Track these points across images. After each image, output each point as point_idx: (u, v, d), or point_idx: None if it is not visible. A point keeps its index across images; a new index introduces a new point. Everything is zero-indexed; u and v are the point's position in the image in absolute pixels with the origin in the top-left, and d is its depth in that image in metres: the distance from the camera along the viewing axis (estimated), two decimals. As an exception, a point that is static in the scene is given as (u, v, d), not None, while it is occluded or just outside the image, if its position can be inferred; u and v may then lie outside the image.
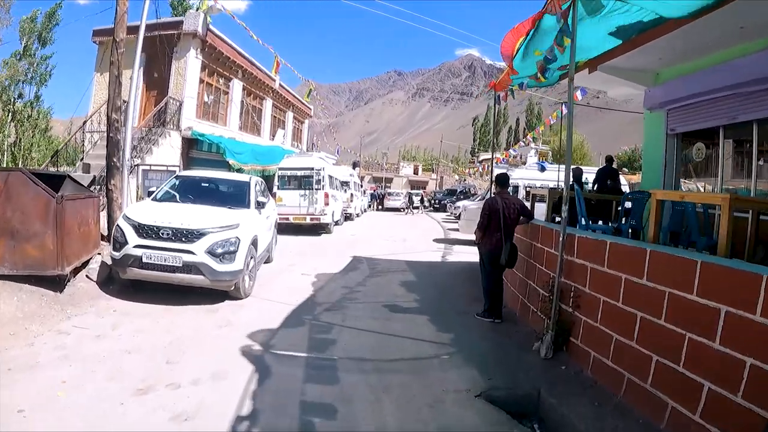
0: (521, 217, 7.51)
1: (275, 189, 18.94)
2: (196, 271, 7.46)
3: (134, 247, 7.49)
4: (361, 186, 41.35)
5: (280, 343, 6.14)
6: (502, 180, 7.76)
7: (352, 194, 27.51)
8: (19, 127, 26.58)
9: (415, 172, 68.70)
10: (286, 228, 19.01)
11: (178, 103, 17.18)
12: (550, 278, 6.41)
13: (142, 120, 17.52)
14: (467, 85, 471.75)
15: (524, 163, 66.59)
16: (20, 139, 26.62)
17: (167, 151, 16.02)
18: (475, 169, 53.39)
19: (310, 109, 34.45)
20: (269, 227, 11.00)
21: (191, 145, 17.72)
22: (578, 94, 17.94)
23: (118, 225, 7.99)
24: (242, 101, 22.53)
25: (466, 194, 42.51)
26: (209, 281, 7.53)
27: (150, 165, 14.01)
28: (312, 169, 18.82)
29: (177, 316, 7.07)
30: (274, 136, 26.31)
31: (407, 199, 42.67)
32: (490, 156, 70.11)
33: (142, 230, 7.60)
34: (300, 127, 34.10)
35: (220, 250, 7.54)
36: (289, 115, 30.33)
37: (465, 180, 62.14)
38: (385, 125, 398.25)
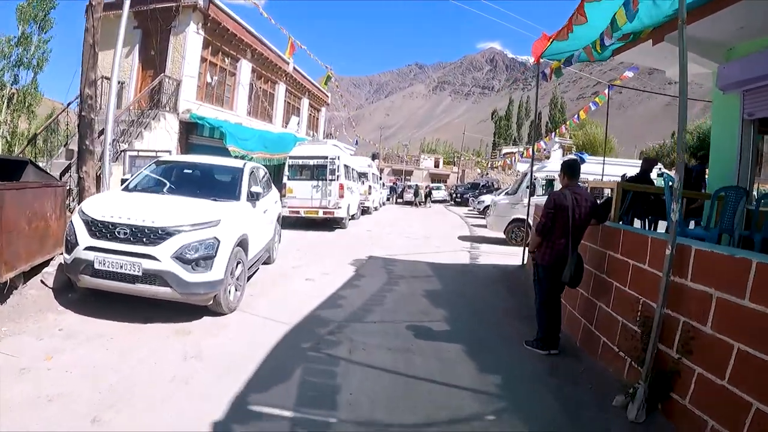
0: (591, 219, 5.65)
1: (285, 179, 17.30)
2: (162, 282, 5.79)
3: (85, 249, 5.85)
4: (380, 178, 39.66)
5: (260, 392, 4.39)
6: (572, 168, 5.82)
7: (370, 186, 25.78)
8: (14, 113, 25.28)
9: (436, 165, 66.71)
10: (296, 222, 17.51)
11: (175, 83, 15.51)
12: (639, 306, 4.61)
13: (138, 102, 15.95)
14: (488, 79, 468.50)
15: (548, 158, 64.74)
16: (16, 126, 25.34)
17: (162, 136, 14.37)
18: (502, 162, 51.23)
19: (327, 96, 32.63)
20: (269, 222, 9.30)
21: (191, 129, 16.06)
22: (628, 73, 16.09)
23: (71, 221, 6.32)
24: (251, 84, 20.82)
25: (489, 188, 40.94)
26: (179, 295, 5.86)
27: (138, 151, 12.33)
28: (326, 157, 17.11)
29: (136, 340, 5.40)
30: (287, 124, 24.57)
31: (413, 192, 40.75)
32: (512, 150, 68.46)
33: (95, 228, 5.94)
34: (316, 115, 32.35)
35: (192, 255, 5.85)
36: (305, 102, 28.55)
37: (487, 174, 60.19)
38: (405, 119, 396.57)
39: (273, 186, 10.62)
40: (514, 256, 12.89)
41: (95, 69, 9.42)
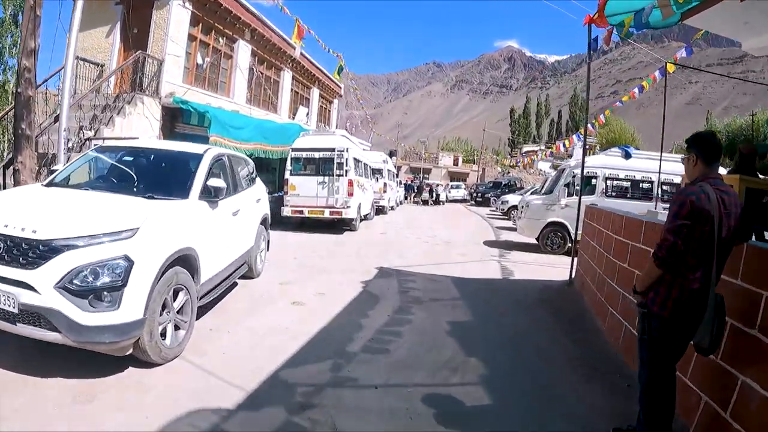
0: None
1: (287, 174, 15.16)
2: (46, 323, 3.72)
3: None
4: (397, 176, 37.44)
5: None
6: (712, 147, 3.30)
7: (385, 184, 23.57)
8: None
9: (455, 163, 64.28)
10: (301, 224, 15.41)
11: (157, 63, 13.42)
12: None
13: (119, 85, 13.92)
14: (506, 78, 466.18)
15: (570, 156, 62.21)
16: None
17: (139, 123, 12.30)
18: (527, 159, 48.79)
19: (340, 87, 30.40)
20: (245, 227, 7.21)
21: (176, 116, 13.99)
22: (681, 52, 13.84)
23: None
24: (251, 69, 18.64)
25: (512, 188, 38.63)
26: (71, 341, 3.77)
27: (104, 139, 10.25)
28: (333, 150, 14.95)
29: (19, 405, 3.39)
30: (294, 115, 22.42)
31: (428, 191, 38.73)
32: (533, 148, 65.94)
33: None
34: (328, 107, 30.08)
35: (86, 284, 3.78)
36: (315, 92, 26.33)
37: (508, 172, 57.78)
38: (423, 117, 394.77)
39: (258, 181, 8.53)
40: (552, 267, 10.86)
41: (36, 36, 7.50)
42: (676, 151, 63.74)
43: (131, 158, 6.03)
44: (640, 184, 14.02)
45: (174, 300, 4.60)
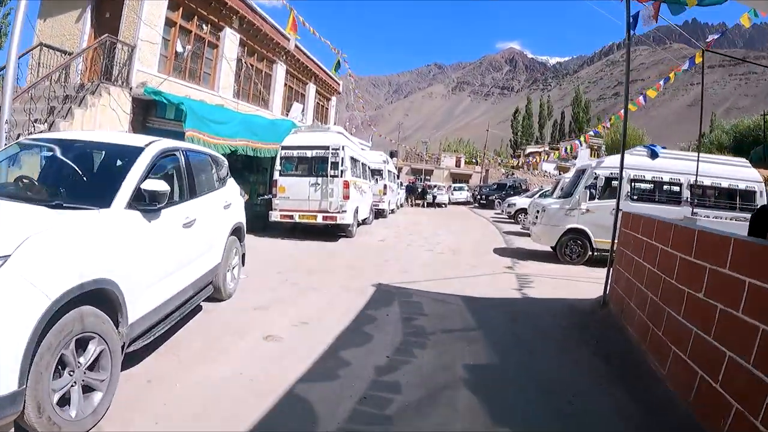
0: None
1: (276, 175, 13.77)
2: None
3: None
4: (398, 177, 36.00)
5: None
6: None
7: (385, 185, 22.15)
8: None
9: (457, 165, 62.80)
10: (292, 230, 14.13)
11: (128, 50, 12.00)
12: None
13: (87, 74, 12.53)
14: (508, 80, 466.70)
15: (575, 157, 60.86)
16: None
17: (104, 117, 10.91)
18: (533, 161, 47.42)
19: (338, 84, 28.97)
20: (206, 240, 5.85)
21: (149, 109, 12.56)
22: (714, 36, 12.51)
23: None
24: (239, 60, 17.19)
25: (517, 189, 37.33)
26: None
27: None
28: (327, 148, 13.55)
29: None
30: (288, 112, 20.99)
31: (420, 191, 37.41)
32: (536, 149, 64.64)
33: None
34: (325, 104, 28.57)
35: None
36: (311, 88, 24.83)
37: (512, 174, 56.38)
38: (424, 119, 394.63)
39: (230, 184, 7.21)
40: (575, 281, 9.72)
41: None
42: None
43: (54, 153, 4.59)
44: (669, 187, 12.65)
45: (81, 354, 3.22)
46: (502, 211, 28.11)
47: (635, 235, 6.78)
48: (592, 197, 11.97)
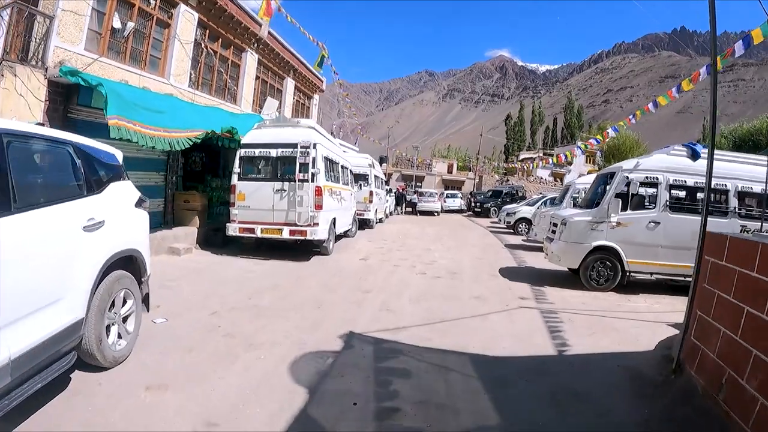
0: None
1: (233, 179, 11.26)
2: None
3: None
4: (387, 183, 33.40)
5: None
6: None
7: (371, 192, 19.55)
8: None
9: (450, 171, 60.24)
10: (258, 246, 11.76)
11: (47, 22, 9.42)
12: None
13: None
14: (498, 87, 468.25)
15: (570, 164, 58.79)
16: None
17: (10, 104, 8.33)
18: (529, 168, 45.13)
19: (321, 81, 26.36)
20: (37, 288, 3.24)
21: (71, 95, 9.91)
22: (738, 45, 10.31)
23: None
24: (198, 43, 14.55)
25: (514, 197, 34.98)
26: None
27: None
28: (295, 146, 11.02)
29: None
30: (261, 108, 18.36)
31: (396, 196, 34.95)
32: (530, 155, 62.49)
33: None
34: (306, 102, 25.75)
35: None
36: (289, 83, 22.07)
37: (507, 180, 54.08)
38: (415, 126, 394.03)
39: (116, 188, 4.74)
40: (613, 317, 7.55)
41: None
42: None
43: None
44: (714, 195, 10.22)
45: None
46: (500, 220, 25.60)
47: (743, 271, 4.24)
48: (624, 207, 9.53)
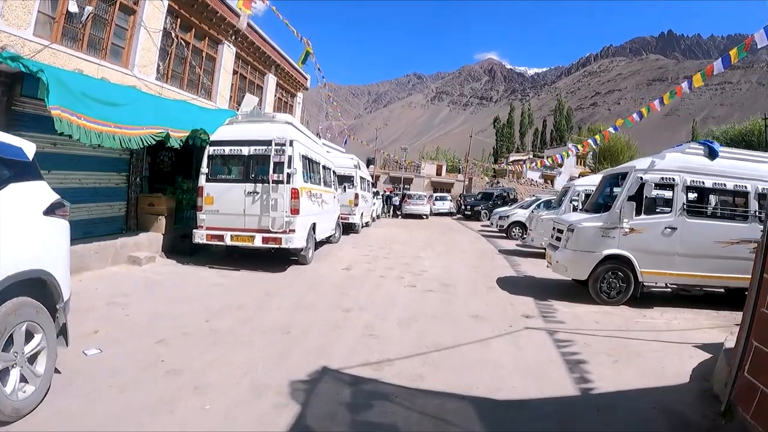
0: None
1: (201, 180, 10.10)
2: None
3: None
4: (374, 185, 32.25)
5: None
6: None
7: (357, 195, 18.39)
8: None
9: (439, 173, 59.10)
10: (229, 254, 10.72)
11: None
12: None
13: None
14: (487, 90, 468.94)
15: (560, 165, 57.90)
16: None
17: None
18: (520, 170, 44.22)
19: (306, 79, 25.15)
20: None
21: (14, 86, 8.63)
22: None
23: None
24: (168, 33, 13.28)
25: (505, 199, 34.05)
26: None
27: None
28: (269, 143, 9.88)
29: None
30: (239, 105, 17.13)
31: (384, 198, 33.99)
32: (520, 157, 61.68)
33: None
34: (289, 100, 24.40)
35: None
36: (270, 79, 20.80)
37: (498, 182, 53.09)
38: (403, 129, 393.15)
39: (14, 190, 3.45)
40: (633, 338, 6.58)
41: None
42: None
43: None
44: (733, 197, 9.20)
45: None
46: (492, 223, 24.53)
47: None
48: (639, 212, 8.47)
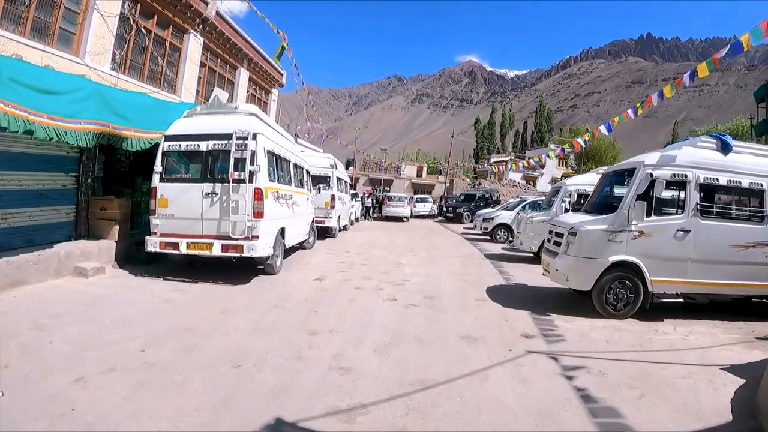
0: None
1: (154, 180, 8.91)
2: None
3: None
4: (354, 187, 31.09)
5: None
6: None
7: (333, 197, 17.20)
8: None
9: (419, 174, 58.11)
10: (190, 264, 9.87)
11: None
12: None
13: None
14: (467, 92, 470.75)
15: (542, 166, 57.32)
16: None
17: None
18: (501, 171, 43.40)
19: (282, 75, 23.89)
20: None
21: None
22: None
23: None
24: (126, 18, 12.06)
25: (488, 201, 33.16)
26: None
27: None
28: (230, 137, 8.68)
29: None
30: (207, 100, 15.85)
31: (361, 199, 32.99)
32: (501, 158, 61.03)
33: None
34: (264, 97, 23.01)
35: None
36: (242, 73, 19.47)
37: (479, 184, 52.26)
38: (383, 131, 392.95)
39: None
40: (653, 361, 5.64)
41: None
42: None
43: None
44: (748, 197, 8.22)
45: None
46: (476, 225, 23.46)
47: None
48: (649, 212, 7.46)
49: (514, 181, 57.75)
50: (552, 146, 58.87)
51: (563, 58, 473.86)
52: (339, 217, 18.33)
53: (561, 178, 40.79)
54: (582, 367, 5.19)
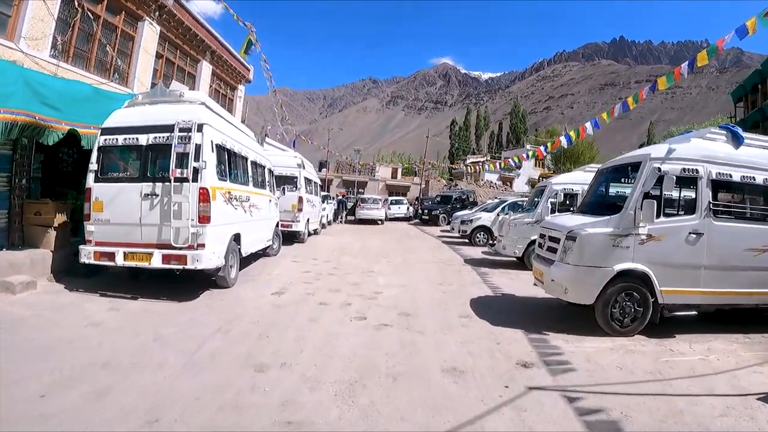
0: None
1: (89, 180, 7.64)
2: None
3: None
4: (327, 188, 29.84)
5: None
6: None
7: (301, 198, 15.93)
8: None
9: (394, 176, 56.98)
10: (135, 276, 8.64)
11: None
12: None
13: None
14: (442, 94, 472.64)
15: (519, 167, 56.68)
16: None
17: None
18: (476, 172, 42.50)
19: (248, 70, 22.56)
20: None
21: None
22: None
23: None
24: (68, 0, 10.86)
25: (464, 203, 32.24)
26: None
27: None
28: (172, 128, 7.44)
29: None
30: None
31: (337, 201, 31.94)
32: (477, 159, 60.24)
33: None
34: (229, 93, 21.61)
35: None
36: (205, 67, 18.13)
37: (456, 185, 51.34)
38: (358, 133, 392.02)
39: None
40: (677, 394, 4.65)
41: None
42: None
43: None
44: (762, 194, 7.21)
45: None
46: (453, 228, 22.41)
47: None
48: (658, 214, 6.41)
49: (491, 182, 56.99)
50: (528, 147, 58.28)
51: (537, 60, 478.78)
52: (308, 220, 17.05)
53: (539, 179, 40.03)
54: (599, 409, 4.09)
